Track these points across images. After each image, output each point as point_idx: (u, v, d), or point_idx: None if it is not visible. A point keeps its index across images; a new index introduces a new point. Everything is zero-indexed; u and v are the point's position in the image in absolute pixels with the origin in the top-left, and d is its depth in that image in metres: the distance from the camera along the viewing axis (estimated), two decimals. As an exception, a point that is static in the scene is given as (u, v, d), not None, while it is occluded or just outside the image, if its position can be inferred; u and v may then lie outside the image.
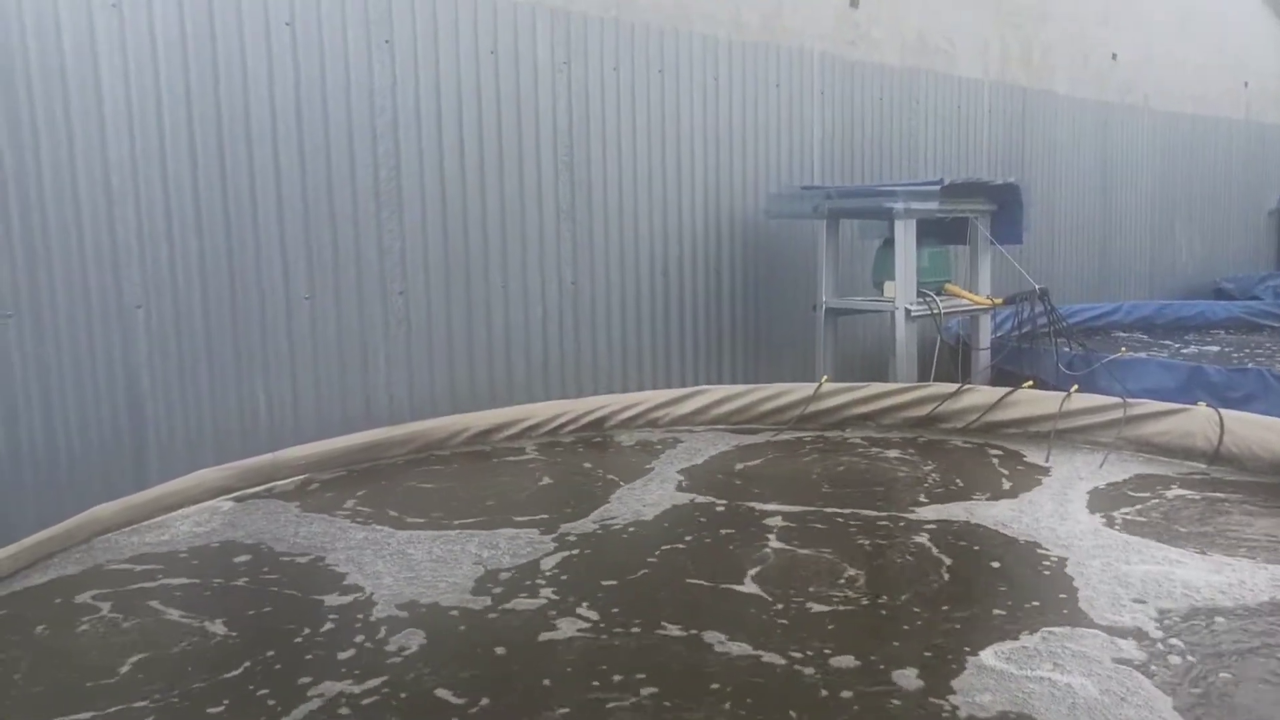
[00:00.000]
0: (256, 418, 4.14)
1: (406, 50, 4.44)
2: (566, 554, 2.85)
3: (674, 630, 2.29)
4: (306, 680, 2.08)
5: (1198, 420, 3.81)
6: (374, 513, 3.29)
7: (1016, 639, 2.19)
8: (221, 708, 1.97)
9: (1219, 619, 2.29)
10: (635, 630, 2.30)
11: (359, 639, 2.28)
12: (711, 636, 2.25)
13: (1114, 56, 9.27)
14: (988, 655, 2.11)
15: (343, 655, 2.19)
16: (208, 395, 4.01)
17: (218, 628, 2.38)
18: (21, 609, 2.56)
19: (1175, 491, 3.38)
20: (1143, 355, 5.47)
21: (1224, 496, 3.31)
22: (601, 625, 2.33)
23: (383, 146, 4.41)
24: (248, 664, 2.17)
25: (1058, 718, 1.83)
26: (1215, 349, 6.73)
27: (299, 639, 2.30)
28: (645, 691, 1.99)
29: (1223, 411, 3.75)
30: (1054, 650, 2.12)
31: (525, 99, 4.88)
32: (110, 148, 3.71)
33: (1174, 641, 2.16)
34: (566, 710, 1.93)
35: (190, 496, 3.41)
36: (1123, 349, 5.69)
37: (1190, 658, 2.08)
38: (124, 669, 2.16)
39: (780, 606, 2.43)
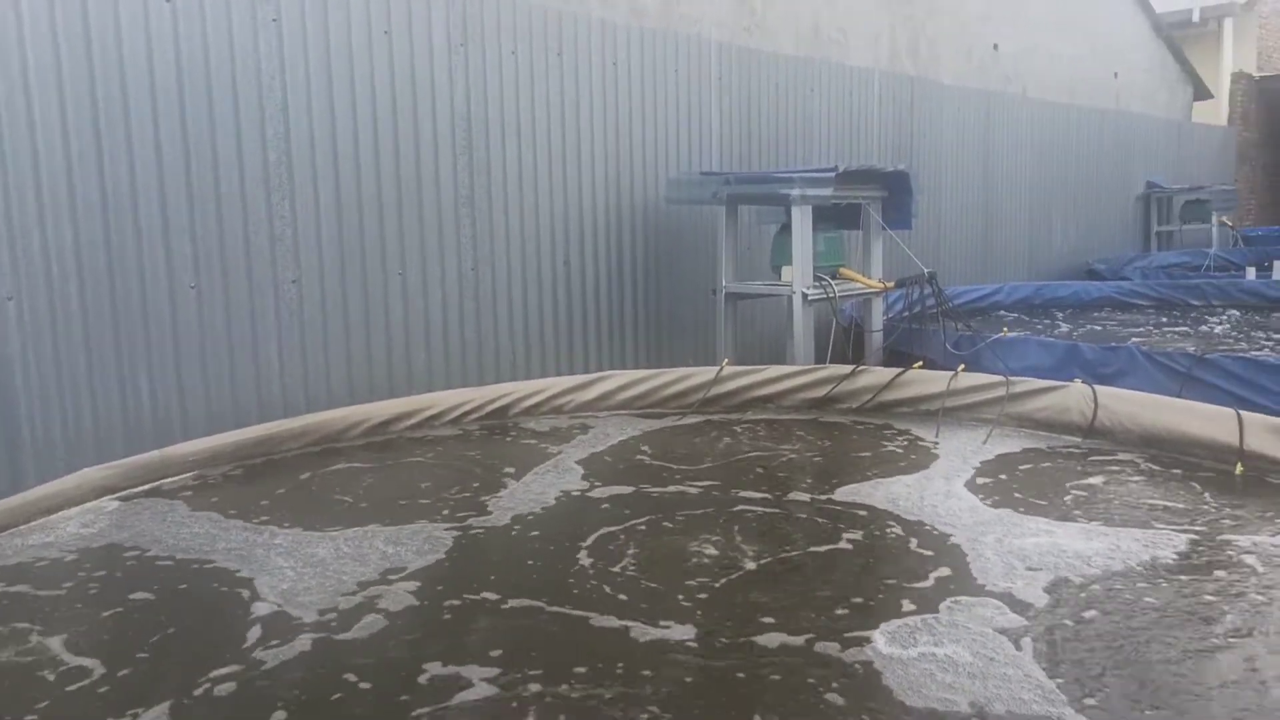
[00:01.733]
0: (140, 413, 3.96)
1: (295, 29, 4.29)
2: (464, 548, 2.83)
3: (566, 611, 2.31)
4: (178, 684, 2.01)
5: (1074, 396, 4.02)
6: (266, 511, 3.19)
7: (904, 615, 2.28)
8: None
9: (1095, 585, 2.43)
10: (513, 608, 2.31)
11: (244, 644, 2.22)
12: (603, 621, 2.27)
13: (995, 48, 9.65)
14: (876, 634, 2.19)
15: (221, 665, 2.14)
16: (87, 390, 3.82)
17: (83, 636, 2.28)
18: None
19: (1054, 464, 3.57)
20: (1023, 335, 5.74)
21: (1098, 468, 3.51)
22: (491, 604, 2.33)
23: (272, 129, 4.25)
24: (118, 671, 2.09)
25: (935, 687, 1.92)
26: (1098, 328, 7.10)
27: (176, 645, 2.23)
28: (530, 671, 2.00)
29: (1097, 388, 3.97)
30: (942, 622, 2.22)
31: (421, 80, 4.78)
32: (-28, 129, 3.48)
33: (1053, 607, 2.29)
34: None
35: (71, 498, 3.24)
36: (1005, 329, 5.96)
37: (1066, 621, 2.21)
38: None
39: (664, 588, 2.46)
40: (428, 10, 4.78)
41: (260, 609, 2.40)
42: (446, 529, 2.96)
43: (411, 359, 4.86)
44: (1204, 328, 7.02)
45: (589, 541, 2.83)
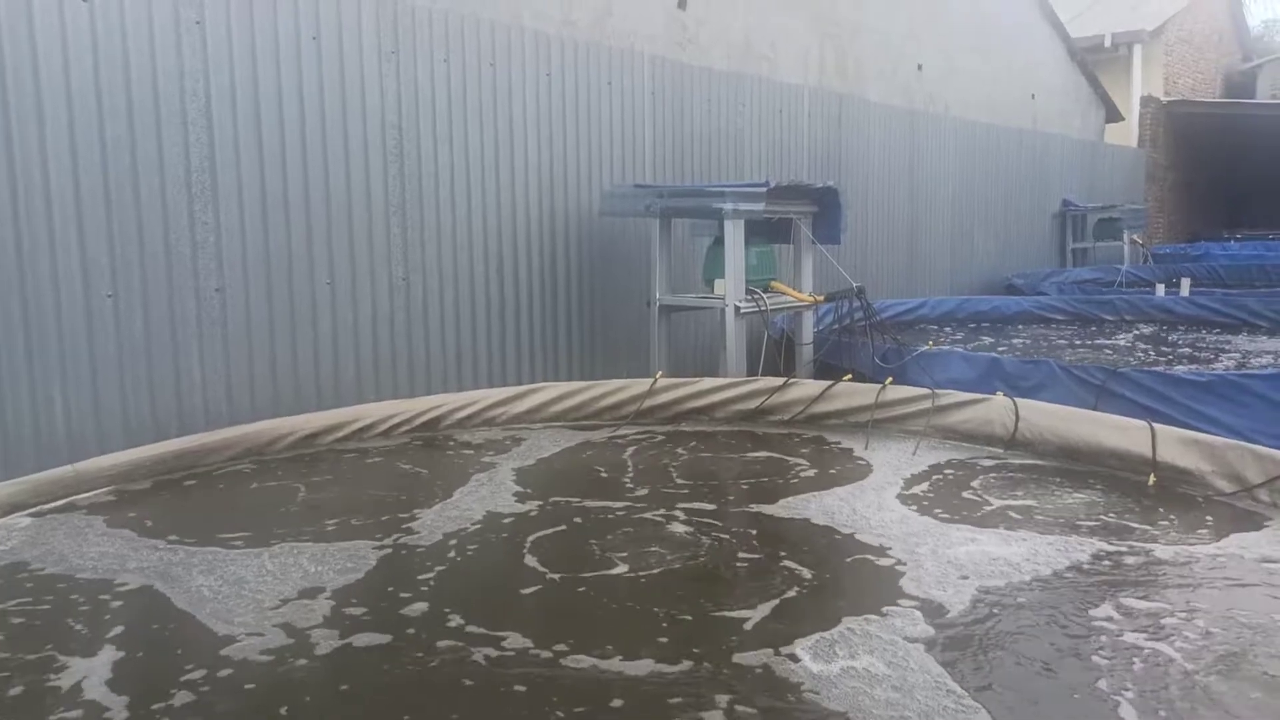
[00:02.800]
0: (53, 426, 3.80)
1: (220, 32, 4.18)
2: (390, 565, 2.78)
3: (475, 631, 2.29)
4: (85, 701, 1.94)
5: (996, 409, 4.14)
6: (186, 527, 3.09)
7: (831, 627, 2.31)
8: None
9: (1020, 594, 2.50)
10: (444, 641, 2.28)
11: (161, 667, 2.14)
12: (518, 641, 2.25)
13: (919, 67, 9.91)
14: (799, 648, 2.21)
15: (127, 688, 2.06)
16: (-6, 402, 3.65)
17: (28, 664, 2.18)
18: None
19: (978, 475, 3.67)
20: (947, 348, 5.89)
21: (1020, 478, 3.62)
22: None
23: (195, 134, 4.13)
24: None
25: (868, 702, 1.96)
26: (1018, 341, 7.32)
27: (85, 671, 2.14)
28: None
29: (1018, 400, 4.09)
30: (864, 633, 2.26)
31: (351, 87, 4.71)
32: None
33: (975, 611, 2.35)
34: None
35: (-23, 516, 3.10)
36: (930, 342, 6.11)
37: (987, 624, 2.27)
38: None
39: (589, 606, 2.45)
40: (357, 17, 4.71)
41: (177, 628, 2.32)
42: (373, 547, 2.90)
43: (340, 370, 4.76)
44: (1117, 341, 7.30)
45: (516, 558, 2.81)
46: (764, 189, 5.16)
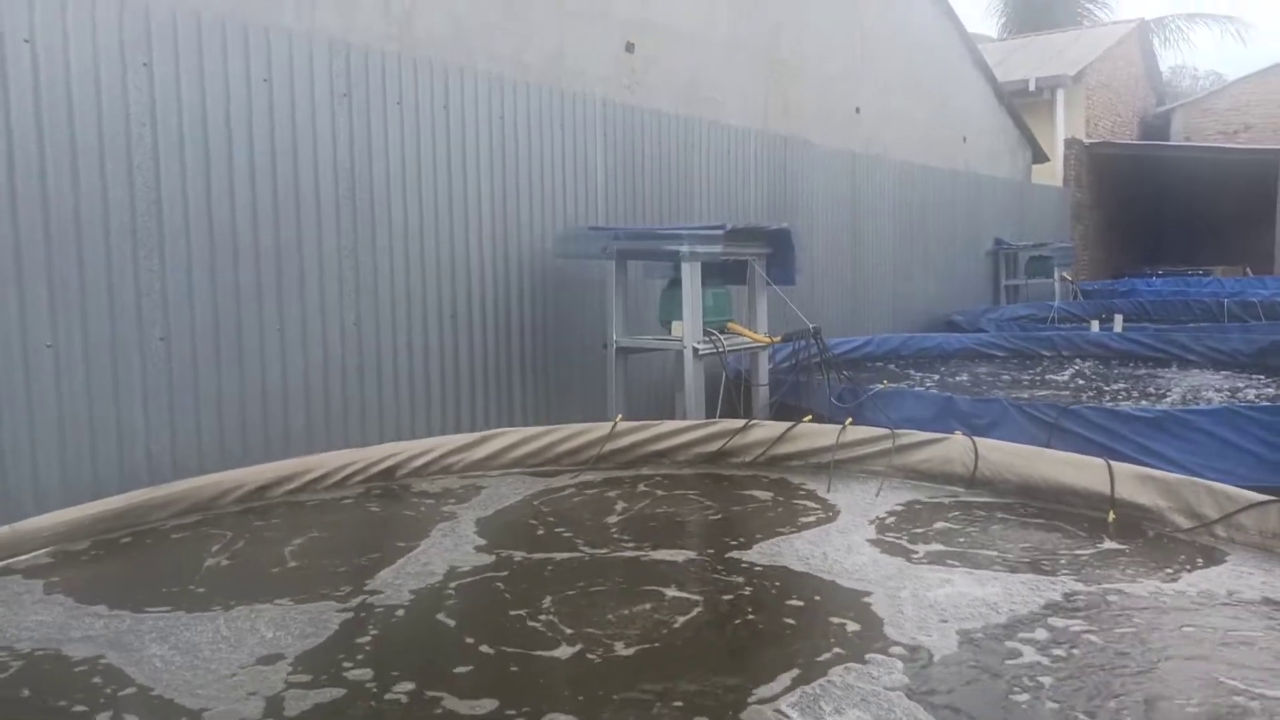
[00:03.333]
0: (-14, 485, 3.60)
1: (168, 74, 4.07)
2: (354, 629, 2.67)
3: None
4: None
5: (956, 448, 4.18)
6: (132, 590, 2.92)
7: (816, 679, 2.27)
8: None
9: (1001, 635, 2.50)
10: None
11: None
12: (486, 704, 2.17)
13: (857, 110, 10.16)
14: (785, 704, 2.17)
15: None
16: (-78, 461, 3.44)
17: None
18: None
19: (942, 514, 3.69)
20: (902, 386, 5.97)
21: (984, 517, 3.65)
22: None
23: (141, 178, 4.00)
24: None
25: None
26: (965, 379, 7.45)
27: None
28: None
29: (977, 440, 4.13)
30: (846, 685, 2.23)
31: (303, 130, 4.62)
32: None
33: (960, 656, 2.34)
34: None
35: (-96, 584, 2.89)
36: (884, 381, 6.19)
37: (971, 669, 2.26)
38: None
39: (560, 663, 2.38)
40: (309, 60, 4.63)
41: (128, 703, 2.19)
42: (334, 608, 2.77)
43: (290, 419, 4.61)
44: (1059, 377, 7.49)
45: (480, 617, 2.72)
46: (721, 231, 5.19)
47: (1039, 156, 15.16)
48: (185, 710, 2.15)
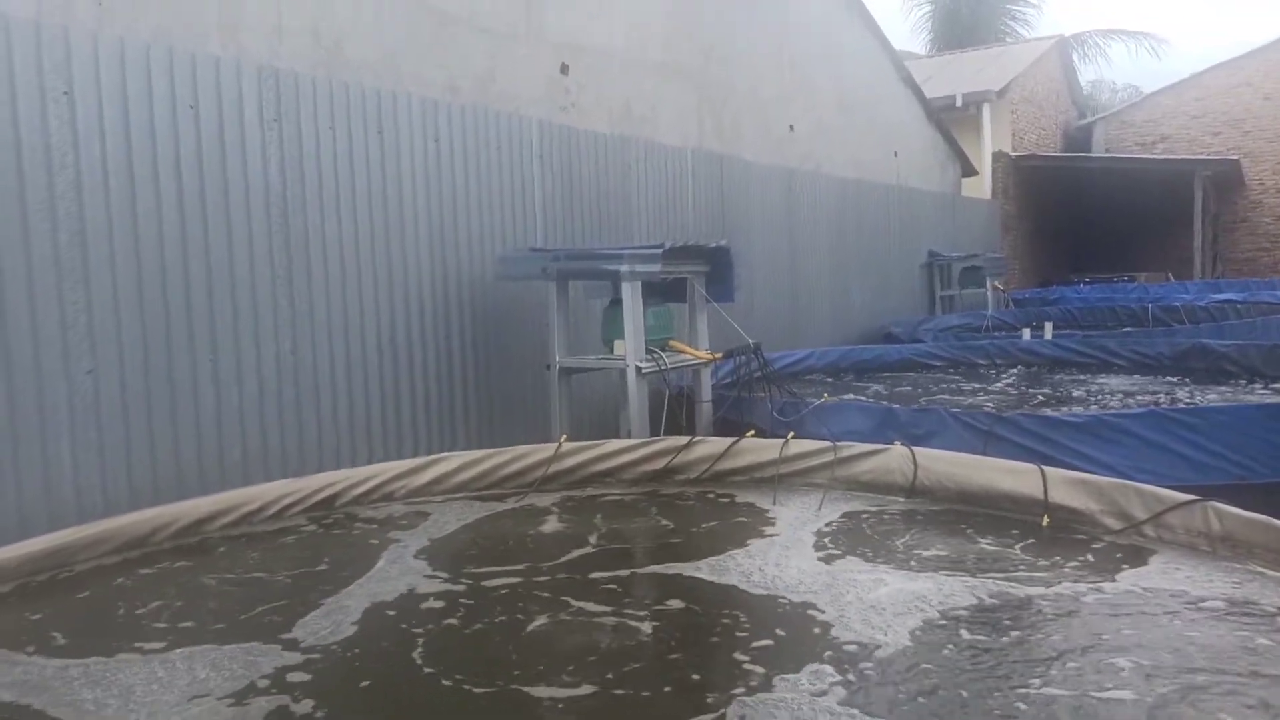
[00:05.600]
0: (-98, 530, 3.45)
1: (90, 103, 3.98)
2: (311, 668, 2.61)
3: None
4: None
5: (895, 458, 4.25)
6: (61, 633, 2.83)
7: (759, 690, 2.29)
8: None
9: (940, 634, 2.55)
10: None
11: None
12: None
13: (791, 128, 10.32)
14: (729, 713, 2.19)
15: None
16: None
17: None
18: None
19: (883, 523, 3.75)
20: (844, 398, 6.05)
21: (923, 525, 3.72)
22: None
23: (63, 208, 3.89)
24: None
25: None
26: (905, 389, 7.58)
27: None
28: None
29: (915, 450, 4.21)
30: (793, 691, 2.25)
31: (232, 157, 4.54)
32: None
33: (894, 654, 2.38)
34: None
35: None
36: (825, 395, 6.27)
37: (915, 668, 2.30)
38: None
39: (509, 690, 2.37)
40: (237, 84, 4.56)
41: (70, 755, 2.12)
42: (271, 646, 2.69)
43: (225, 451, 4.51)
44: (993, 385, 7.67)
45: (426, 647, 2.68)
46: (659, 250, 5.23)
47: (968, 170, 15.56)
48: (118, 756, 2.09)
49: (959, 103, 16.60)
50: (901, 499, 4.12)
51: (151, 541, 3.72)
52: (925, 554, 3.32)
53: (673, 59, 8.27)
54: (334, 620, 2.88)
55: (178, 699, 2.36)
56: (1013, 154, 17.41)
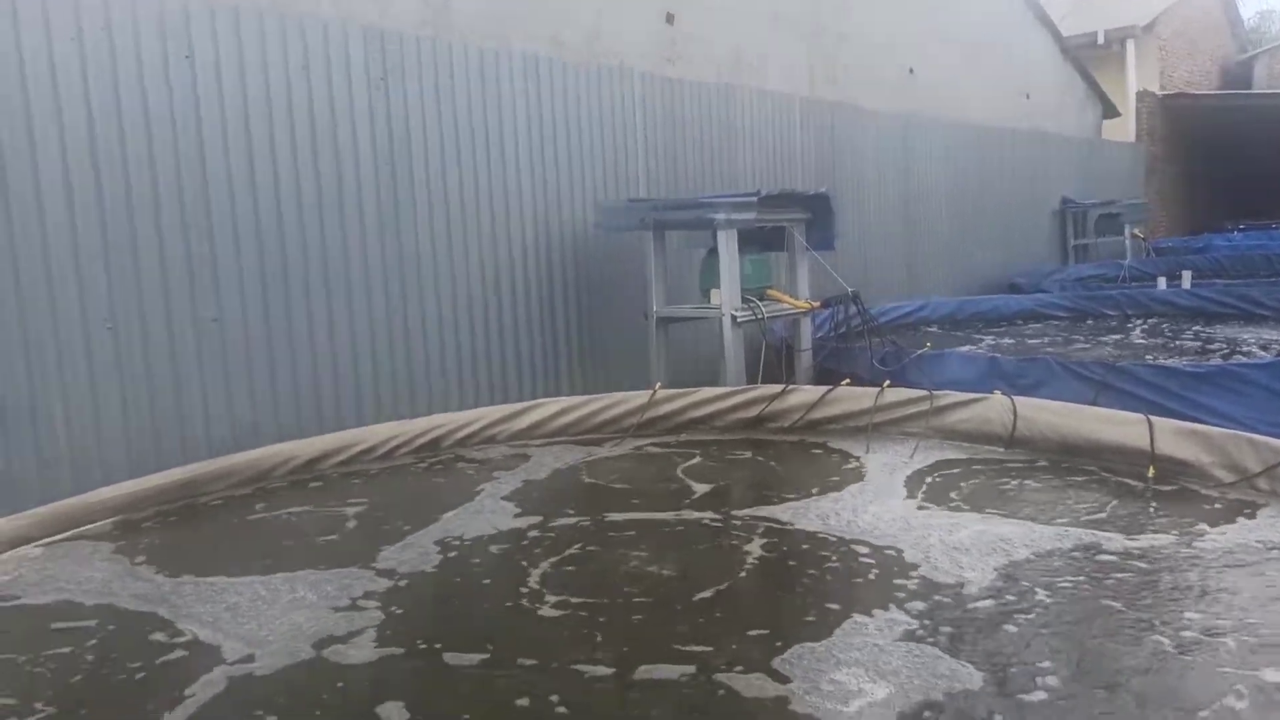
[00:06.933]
0: (58, 458, 3.84)
1: (208, 64, 4.25)
2: (399, 591, 2.78)
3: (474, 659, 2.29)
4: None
5: (994, 408, 4.13)
6: (189, 556, 3.11)
7: (840, 630, 2.31)
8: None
9: (1027, 582, 2.51)
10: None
11: (171, 687, 2.16)
12: (526, 661, 2.25)
13: (910, 72, 9.95)
14: (814, 648, 2.22)
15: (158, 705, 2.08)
16: (0, 437, 3.69)
17: (33, 690, 2.20)
18: None
19: (978, 473, 3.66)
20: (945, 349, 5.89)
21: (1020, 475, 3.61)
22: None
23: (187, 167, 4.19)
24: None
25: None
26: (1018, 340, 7.31)
27: (107, 688, 2.16)
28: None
29: (1016, 399, 4.08)
30: (876, 629, 2.26)
31: (341, 115, 4.76)
32: None
33: (989, 600, 2.35)
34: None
35: (-17, 550, 3.13)
36: (927, 344, 6.12)
37: (1000, 613, 2.27)
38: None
39: (604, 620, 2.45)
40: (345, 46, 4.76)
41: (182, 647, 2.34)
42: (366, 571, 2.88)
43: (339, 393, 4.79)
44: (1119, 337, 7.29)
45: (523, 578, 2.81)
46: (755, 198, 5.19)
47: (1109, 111, 14.62)
48: (235, 653, 2.31)
49: (1100, 39, 15.58)
50: (1000, 449, 4.00)
51: (271, 476, 4.00)
52: (1019, 503, 3.24)
53: (783, 4, 8.09)
54: (424, 551, 3.06)
55: (280, 611, 2.57)
56: (1160, 93, 16.24)
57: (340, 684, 2.17)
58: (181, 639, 2.44)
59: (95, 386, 3.95)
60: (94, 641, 2.47)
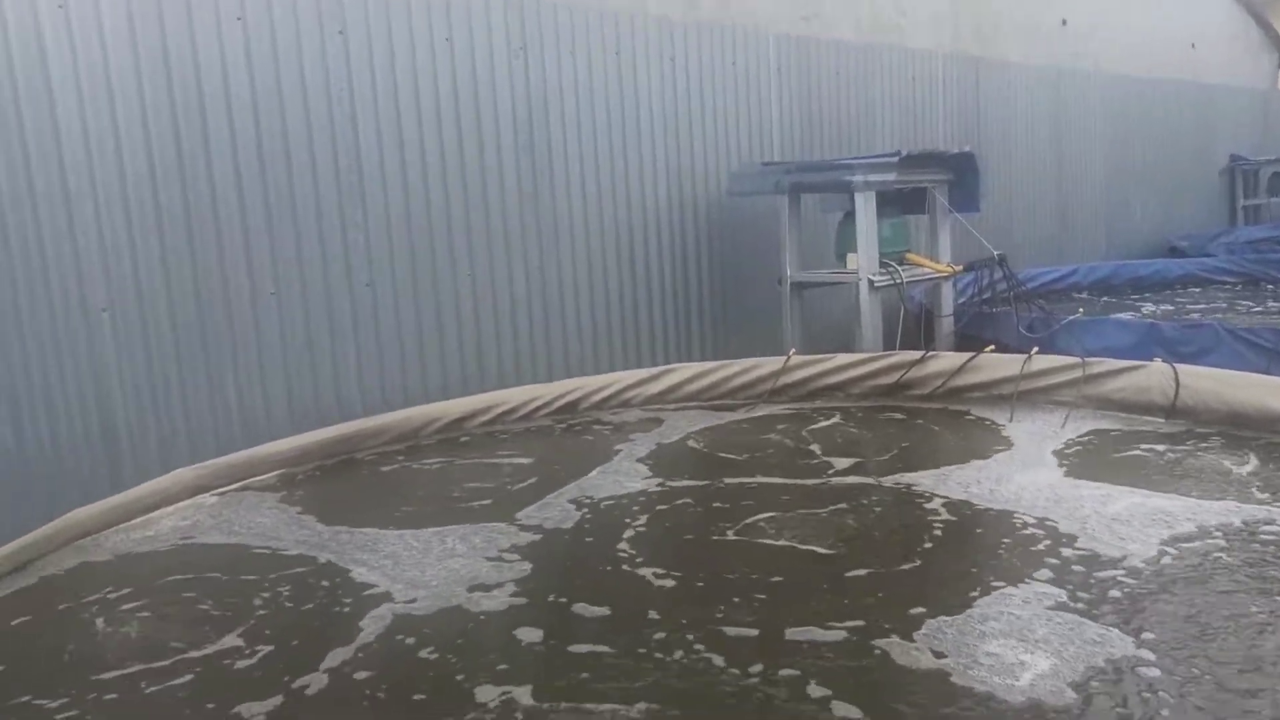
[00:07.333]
0: (229, 415, 4.14)
1: (360, 39, 4.43)
2: (535, 545, 2.88)
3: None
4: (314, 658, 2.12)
5: (1154, 376, 3.91)
6: (348, 506, 3.30)
7: (985, 601, 2.26)
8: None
9: (1193, 541, 2.39)
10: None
11: (344, 623, 2.32)
12: (660, 623, 2.29)
13: (1064, 23, 9.40)
14: (962, 617, 2.18)
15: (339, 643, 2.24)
16: (179, 395, 4.01)
17: (224, 620, 2.40)
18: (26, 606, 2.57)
19: (1136, 444, 3.48)
20: (1099, 315, 5.59)
21: (1183, 446, 3.41)
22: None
23: (341, 138, 4.39)
24: (258, 651, 2.20)
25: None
26: (1177, 306, 6.88)
27: (292, 625, 2.34)
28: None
29: (1178, 366, 3.85)
30: (1024, 601, 2.20)
31: (483, 85, 4.88)
32: (65, 150, 3.67)
33: (1149, 574, 2.25)
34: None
35: (168, 496, 3.40)
36: (1079, 310, 5.82)
37: (1160, 587, 2.17)
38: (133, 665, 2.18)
39: (742, 584, 2.45)
40: (486, 17, 4.87)
41: (341, 587, 2.50)
42: (510, 527, 3.00)
43: (482, 356, 4.97)
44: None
45: (660, 539, 2.86)
46: (895, 159, 5.04)
47: (1288, 59, 13.43)
48: (399, 594, 2.46)
49: (1279, -20, 14.26)
50: (1160, 419, 3.79)
51: (420, 435, 4.20)
52: (1182, 475, 3.07)
53: (926, -45, 7.78)
54: (562, 509, 3.15)
55: (436, 559, 2.71)
56: (1349, 36, 14.77)
57: (485, 618, 2.28)
58: (347, 581, 2.61)
59: (262, 350, 4.22)
60: (269, 579, 2.67)
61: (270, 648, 2.23)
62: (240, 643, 2.26)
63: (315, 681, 2.05)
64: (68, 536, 3.06)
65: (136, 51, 3.80)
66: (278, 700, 1.99)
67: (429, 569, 2.65)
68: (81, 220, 3.73)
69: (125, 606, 2.55)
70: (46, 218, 3.65)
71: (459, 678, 2.03)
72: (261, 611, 2.46)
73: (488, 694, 1.94)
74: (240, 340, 4.16)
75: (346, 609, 2.42)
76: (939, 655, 1.96)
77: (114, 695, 2.06)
